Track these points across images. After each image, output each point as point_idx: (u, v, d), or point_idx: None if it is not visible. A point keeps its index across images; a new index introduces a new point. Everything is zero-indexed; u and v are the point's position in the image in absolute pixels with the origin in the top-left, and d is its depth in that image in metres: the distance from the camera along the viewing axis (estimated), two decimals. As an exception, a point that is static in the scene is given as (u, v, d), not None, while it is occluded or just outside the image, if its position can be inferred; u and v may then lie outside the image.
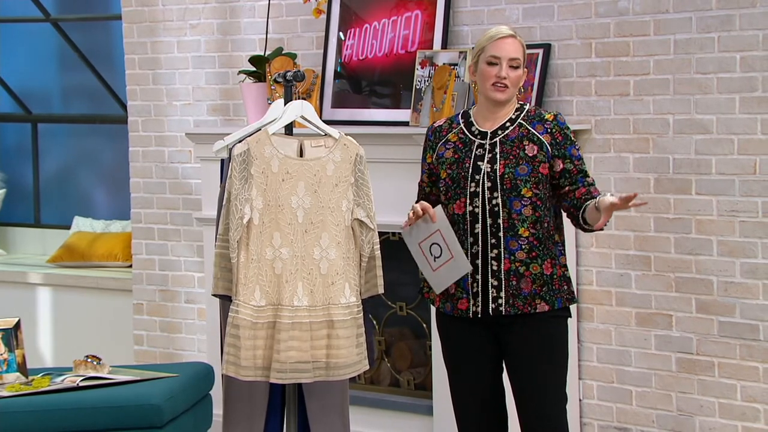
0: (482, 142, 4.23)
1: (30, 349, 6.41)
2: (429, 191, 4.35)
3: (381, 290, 4.33)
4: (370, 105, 5.93)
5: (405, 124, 5.67)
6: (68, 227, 7.73)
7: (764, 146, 5.02)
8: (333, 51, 6.03)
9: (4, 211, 8.10)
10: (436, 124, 4.36)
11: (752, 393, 5.10)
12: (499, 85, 4.19)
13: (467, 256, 4.18)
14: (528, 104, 4.30)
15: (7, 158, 8.28)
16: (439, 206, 4.22)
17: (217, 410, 5.35)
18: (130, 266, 7.10)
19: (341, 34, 6.02)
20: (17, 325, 5.09)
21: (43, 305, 7.36)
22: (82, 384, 4.94)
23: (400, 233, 5.72)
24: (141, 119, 6.80)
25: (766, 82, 5.00)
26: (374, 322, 5.92)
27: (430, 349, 5.69)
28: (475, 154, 4.21)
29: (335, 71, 6.02)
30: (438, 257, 4.20)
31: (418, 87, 5.62)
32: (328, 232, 4.21)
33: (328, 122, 4.63)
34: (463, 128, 4.28)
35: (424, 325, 5.89)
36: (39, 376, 5.05)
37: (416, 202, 4.29)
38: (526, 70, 4.25)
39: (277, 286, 4.18)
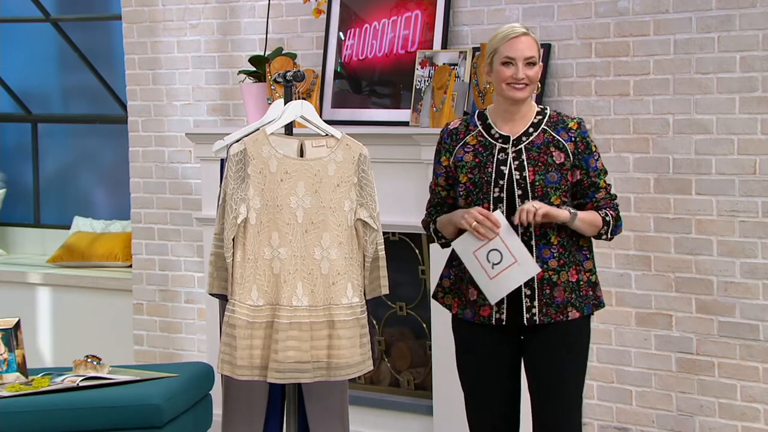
0: (504, 146, 4.14)
1: (30, 349, 6.41)
2: (446, 195, 4.24)
3: (385, 291, 4.30)
4: (370, 105, 5.93)
5: (405, 124, 5.67)
6: (68, 227, 7.73)
7: (764, 146, 5.02)
8: (333, 51, 6.03)
9: (4, 211, 8.09)
10: (450, 126, 4.25)
11: (752, 393, 5.10)
12: (517, 85, 4.10)
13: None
14: (548, 108, 4.22)
15: (7, 158, 8.28)
16: (498, 211, 4.08)
17: (217, 410, 5.35)
18: (130, 266, 7.10)
19: (341, 34, 6.02)
20: (17, 325, 5.08)
21: (43, 305, 7.36)
22: (82, 384, 4.94)
23: (400, 233, 5.73)
24: (141, 119, 6.80)
25: (766, 82, 5.00)
26: (374, 322, 5.91)
27: (430, 349, 5.69)
28: (498, 158, 4.13)
29: (335, 71, 6.02)
30: (497, 264, 4.07)
31: (418, 87, 5.62)
32: (330, 233, 4.19)
33: (328, 122, 4.62)
34: (482, 131, 4.19)
35: (424, 325, 5.88)
36: (39, 376, 5.05)
37: (439, 208, 4.23)
38: (541, 64, 4.19)
39: (275, 286, 4.17)
